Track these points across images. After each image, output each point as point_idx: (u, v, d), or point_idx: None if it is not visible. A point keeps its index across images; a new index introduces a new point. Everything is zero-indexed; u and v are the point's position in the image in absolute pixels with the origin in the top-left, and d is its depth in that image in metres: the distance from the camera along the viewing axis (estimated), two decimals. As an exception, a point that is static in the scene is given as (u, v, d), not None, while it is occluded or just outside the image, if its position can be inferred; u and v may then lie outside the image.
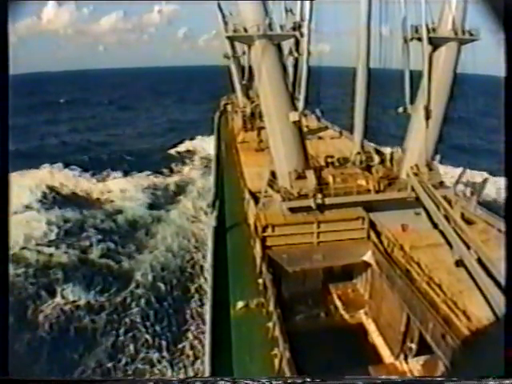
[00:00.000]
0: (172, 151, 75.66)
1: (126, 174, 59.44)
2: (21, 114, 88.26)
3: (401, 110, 24.27)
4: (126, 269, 33.25)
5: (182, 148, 77.57)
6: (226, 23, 21.78)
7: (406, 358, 19.33)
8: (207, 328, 15.17)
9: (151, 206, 47.07)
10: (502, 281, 14.75)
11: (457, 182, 24.33)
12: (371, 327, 22.35)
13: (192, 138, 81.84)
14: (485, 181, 24.00)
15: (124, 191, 52.27)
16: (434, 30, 22.28)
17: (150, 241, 38.10)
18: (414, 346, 18.74)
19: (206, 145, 72.25)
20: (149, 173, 59.31)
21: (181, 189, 53.24)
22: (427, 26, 22.01)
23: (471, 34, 22.02)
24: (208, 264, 20.92)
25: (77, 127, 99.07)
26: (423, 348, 17.92)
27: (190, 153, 74.19)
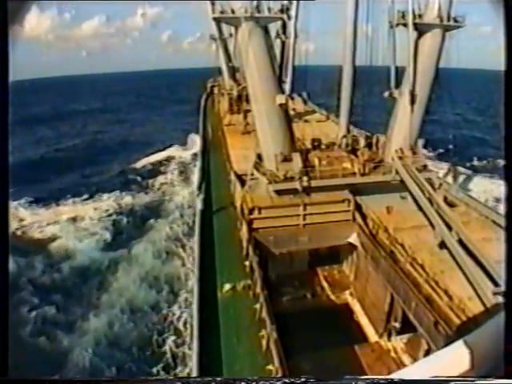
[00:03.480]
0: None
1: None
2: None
3: (386, 94, 24.50)
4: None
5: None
6: (213, 4, 21.51)
7: (389, 337, 19.87)
8: (194, 310, 15.26)
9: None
10: (483, 260, 15.27)
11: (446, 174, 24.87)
12: (356, 307, 22.81)
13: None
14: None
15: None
16: (420, 16, 22.43)
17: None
18: (397, 324, 19.22)
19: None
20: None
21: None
22: (413, 11, 22.14)
23: (456, 21, 22.22)
24: (195, 247, 20.96)
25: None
26: (406, 326, 18.44)
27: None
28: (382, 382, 2.28)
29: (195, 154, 55.19)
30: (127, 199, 45.91)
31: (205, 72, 63.03)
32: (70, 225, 39.58)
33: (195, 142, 61.17)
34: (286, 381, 2.47)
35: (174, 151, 66.25)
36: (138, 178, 53.91)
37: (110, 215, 41.50)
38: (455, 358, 2.22)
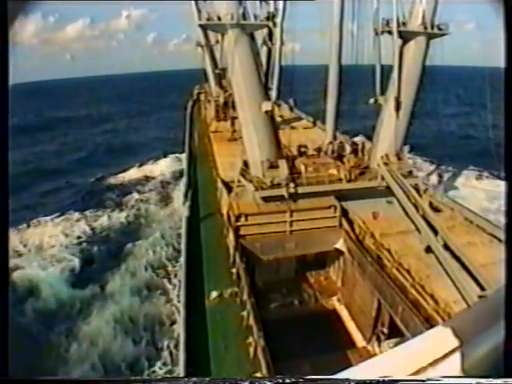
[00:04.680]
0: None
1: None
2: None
3: (372, 100, 24.72)
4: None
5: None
6: (199, 11, 21.54)
7: (377, 342, 19.89)
8: (181, 318, 15.13)
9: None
10: (469, 265, 15.42)
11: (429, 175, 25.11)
12: (344, 313, 22.82)
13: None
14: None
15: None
16: (404, 23, 22.72)
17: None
18: (385, 329, 19.26)
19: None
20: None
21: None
22: (398, 19, 22.44)
23: (440, 29, 22.55)
24: (182, 254, 20.80)
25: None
26: (394, 331, 18.49)
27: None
28: (374, 382, 2.24)
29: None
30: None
31: (191, 74, 62.04)
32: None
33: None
34: (279, 381, 2.43)
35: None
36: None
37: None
38: (439, 338, 2.18)
